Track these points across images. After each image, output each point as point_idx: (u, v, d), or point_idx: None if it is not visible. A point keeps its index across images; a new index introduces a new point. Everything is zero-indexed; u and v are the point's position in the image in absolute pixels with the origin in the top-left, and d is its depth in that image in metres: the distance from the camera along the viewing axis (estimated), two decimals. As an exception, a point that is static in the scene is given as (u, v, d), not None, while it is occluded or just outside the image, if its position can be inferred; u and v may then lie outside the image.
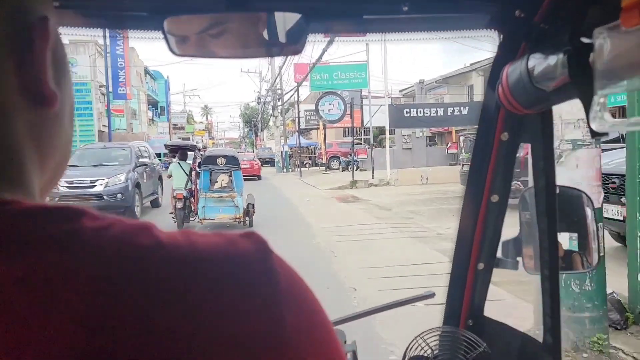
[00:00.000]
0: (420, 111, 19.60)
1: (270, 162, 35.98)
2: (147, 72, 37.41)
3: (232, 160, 9.61)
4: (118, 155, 11.93)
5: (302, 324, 0.33)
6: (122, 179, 10.61)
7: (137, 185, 11.13)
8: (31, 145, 0.37)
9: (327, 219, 10.26)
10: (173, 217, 9.34)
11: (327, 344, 0.34)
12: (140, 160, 12.04)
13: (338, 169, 27.17)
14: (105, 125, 23.40)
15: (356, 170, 19.99)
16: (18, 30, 0.35)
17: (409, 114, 19.39)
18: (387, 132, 20.29)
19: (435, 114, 19.42)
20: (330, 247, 7.63)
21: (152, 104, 41.37)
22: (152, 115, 41.28)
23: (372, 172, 19.02)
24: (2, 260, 0.30)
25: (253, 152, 41.67)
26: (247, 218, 9.26)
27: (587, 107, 0.56)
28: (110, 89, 22.78)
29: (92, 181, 10.41)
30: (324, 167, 28.58)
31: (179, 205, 9.18)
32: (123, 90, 24.12)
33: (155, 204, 12.94)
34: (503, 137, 0.94)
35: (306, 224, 9.99)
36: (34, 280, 0.30)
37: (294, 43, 0.78)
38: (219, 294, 0.32)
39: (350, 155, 20.99)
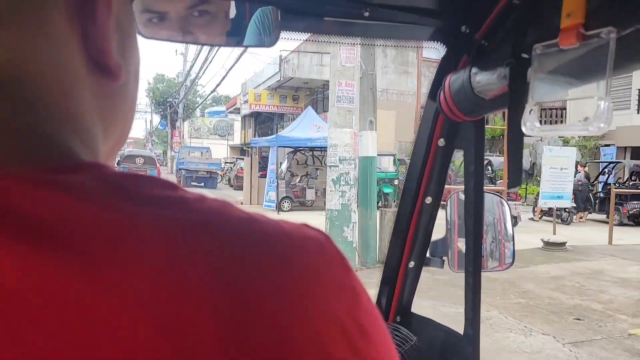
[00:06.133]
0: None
1: (206, 179, 22.03)
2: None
3: (150, 160, 15.69)
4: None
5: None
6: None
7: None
8: (96, 115, 0.35)
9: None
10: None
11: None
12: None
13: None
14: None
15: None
16: None
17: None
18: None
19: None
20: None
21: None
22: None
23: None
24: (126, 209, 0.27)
25: (164, 159, 27.07)
26: None
27: (520, 114, 0.63)
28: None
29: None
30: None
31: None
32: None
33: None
34: (440, 143, 0.99)
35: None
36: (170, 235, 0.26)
37: (267, 36, 0.81)
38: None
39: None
